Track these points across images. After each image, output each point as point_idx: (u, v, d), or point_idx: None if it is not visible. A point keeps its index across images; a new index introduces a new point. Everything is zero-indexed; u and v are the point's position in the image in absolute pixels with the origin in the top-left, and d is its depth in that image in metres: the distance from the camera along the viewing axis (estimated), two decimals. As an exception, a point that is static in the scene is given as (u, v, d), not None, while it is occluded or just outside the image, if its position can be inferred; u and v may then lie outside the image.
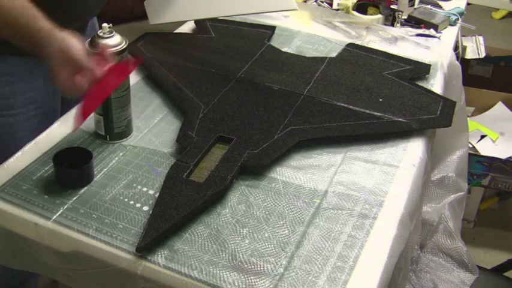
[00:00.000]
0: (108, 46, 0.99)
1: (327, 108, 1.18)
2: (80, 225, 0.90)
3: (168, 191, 0.93)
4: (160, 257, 0.85)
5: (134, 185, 0.98)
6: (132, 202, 0.94)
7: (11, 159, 1.02)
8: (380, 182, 1.02)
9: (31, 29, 0.94)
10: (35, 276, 1.40)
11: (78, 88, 0.93)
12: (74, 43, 0.93)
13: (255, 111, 1.16)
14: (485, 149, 2.02)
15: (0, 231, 0.94)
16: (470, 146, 2.00)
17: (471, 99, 2.03)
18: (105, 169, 1.01)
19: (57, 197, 0.94)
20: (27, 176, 0.98)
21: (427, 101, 1.23)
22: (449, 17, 1.66)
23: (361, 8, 1.68)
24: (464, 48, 1.99)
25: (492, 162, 1.94)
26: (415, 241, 1.17)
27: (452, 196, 1.52)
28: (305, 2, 1.75)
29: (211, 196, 0.93)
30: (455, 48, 1.61)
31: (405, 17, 1.64)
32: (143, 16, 1.41)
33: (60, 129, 1.09)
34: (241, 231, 0.90)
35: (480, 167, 1.96)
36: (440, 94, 1.30)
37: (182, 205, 0.90)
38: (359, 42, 1.48)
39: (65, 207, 0.93)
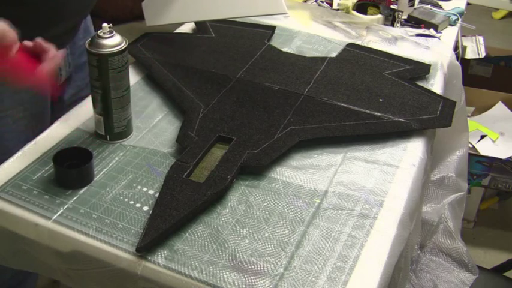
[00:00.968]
0: (108, 46, 0.99)
1: (327, 108, 1.18)
2: (80, 225, 0.90)
3: (168, 191, 0.93)
4: (160, 257, 0.85)
5: (134, 185, 0.98)
6: (132, 202, 0.94)
7: (11, 159, 1.02)
8: (380, 182, 1.02)
9: None
10: (34, 276, 1.40)
11: None
12: None
13: (255, 111, 1.16)
14: (485, 149, 2.02)
15: (0, 231, 0.94)
16: (470, 146, 2.00)
17: (471, 99, 2.04)
18: (105, 169, 1.01)
19: (57, 197, 0.94)
20: (27, 176, 0.98)
21: (427, 101, 1.23)
22: (449, 17, 1.66)
23: (361, 8, 1.68)
24: (464, 48, 2.00)
25: (492, 162, 1.95)
26: (415, 241, 1.17)
27: (452, 196, 1.52)
28: (305, 2, 1.75)
29: (211, 196, 0.93)
30: (455, 48, 1.61)
31: (405, 17, 1.64)
32: (143, 16, 1.41)
33: (60, 129, 1.09)
34: (241, 231, 0.90)
35: (480, 167, 1.96)
36: (440, 94, 1.30)
37: (182, 205, 0.90)
38: (359, 42, 1.48)
39: (65, 207, 0.93)
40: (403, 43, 1.51)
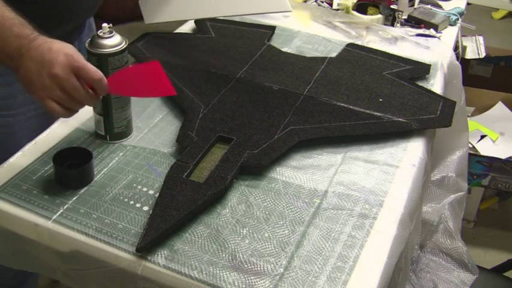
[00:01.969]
0: (108, 46, 0.98)
1: (327, 108, 1.18)
2: (80, 225, 0.90)
3: (168, 191, 0.93)
4: (160, 257, 0.85)
5: (134, 185, 0.98)
6: (132, 202, 0.94)
7: (11, 159, 1.02)
8: (380, 182, 1.02)
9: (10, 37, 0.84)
10: (35, 276, 1.41)
11: (74, 90, 0.85)
12: (70, 49, 0.86)
13: (255, 111, 1.16)
14: (485, 149, 2.02)
15: (0, 231, 0.94)
16: (470, 146, 2.00)
17: (471, 99, 2.03)
18: (105, 169, 1.01)
19: (57, 197, 0.94)
20: (27, 176, 0.98)
21: (427, 101, 1.23)
22: (449, 17, 1.66)
23: (361, 8, 1.68)
24: (464, 48, 2.00)
25: (492, 162, 1.95)
26: (415, 241, 1.17)
27: (452, 196, 1.52)
28: (305, 2, 1.75)
29: (211, 196, 0.93)
30: (455, 48, 1.61)
31: (405, 17, 1.64)
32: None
33: (60, 129, 1.09)
34: (241, 231, 0.90)
35: (480, 167, 1.96)
36: (440, 94, 1.30)
37: (182, 205, 0.90)
38: (359, 42, 1.48)
39: (65, 207, 0.93)
40: (403, 43, 1.51)
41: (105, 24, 0.99)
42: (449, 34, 1.62)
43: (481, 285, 1.48)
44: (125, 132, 1.08)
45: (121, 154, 1.05)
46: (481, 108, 2.25)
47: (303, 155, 1.08)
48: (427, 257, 1.51)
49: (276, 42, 1.47)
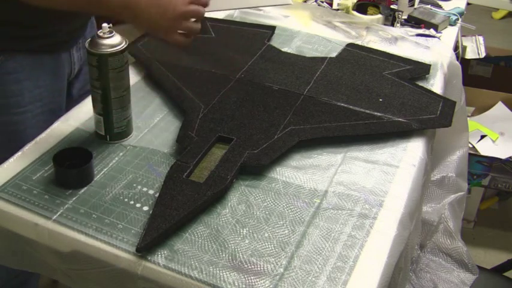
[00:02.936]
0: (108, 46, 0.99)
1: (327, 108, 1.18)
2: (80, 225, 0.90)
3: (168, 191, 0.93)
4: (160, 257, 0.85)
5: (134, 185, 0.98)
6: (132, 202, 0.94)
7: (11, 159, 1.02)
8: (380, 182, 1.02)
9: None
10: (36, 276, 1.41)
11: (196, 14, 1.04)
12: None
13: (255, 111, 1.16)
14: (485, 149, 2.02)
15: (0, 231, 0.94)
16: (470, 146, 2.00)
17: (471, 99, 2.03)
18: (105, 169, 1.01)
19: (57, 197, 0.94)
20: (27, 176, 0.98)
21: (427, 101, 1.23)
22: (449, 17, 1.66)
23: (361, 8, 1.68)
24: (464, 48, 1.99)
25: (492, 162, 1.95)
26: (415, 241, 1.17)
27: (452, 196, 1.52)
28: (305, 2, 1.75)
29: (211, 196, 0.93)
30: (455, 48, 1.61)
31: (405, 17, 1.64)
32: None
33: (60, 129, 1.09)
34: (241, 231, 0.90)
35: (480, 167, 1.96)
36: (440, 94, 1.30)
37: (182, 205, 0.90)
38: (359, 42, 1.48)
39: (65, 207, 0.93)
40: (403, 43, 1.51)
41: (105, 24, 0.99)
42: (449, 34, 1.62)
43: (481, 285, 1.48)
44: (125, 132, 1.08)
45: (121, 154, 1.05)
46: (481, 108, 2.25)
47: (303, 155, 1.08)
48: (427, 257, 1.51)
49: (276, 42, 1.47)
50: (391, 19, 1.62)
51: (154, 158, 1.04)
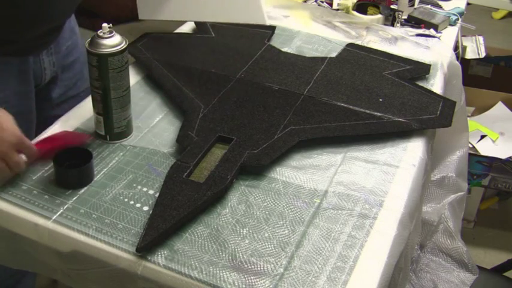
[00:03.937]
0: (108, 46, 0.99)
1: (327, 108, 1.18)
2: (80, 225, 0.90)
3: (168, 191, 0.93)
4: (160, 257, 0.85)
5: (134, 185, 0.98)
6: (132, 202, 0.94)
7: (11, 159, 1.02)
8: (380, 182, 1.02)
9: None
10: (31, 276, 1.40)
11: (15, 165, 0.93)
12: (7, 123, 0.93)
13: (255, 111, 1.16)
14: (485, 149, 2.02)
15: (0, 231, 0.94)
16: (470, 146, 2.00)
17: (471, 99, 2.03)
18: (105, 169, 1.01)
19: (57, 197, 0.94)
20: (27, 176, 0.98)
21: (427, 101, 1.23)
22: (449, 17, 1.66)
23: (361, 8, 1.68)
24: (464, 48, 2.00)
25: (492, 162, 1.95)
26: (415, 241, 1.17)
27: (452, 196, 1.52)
28: (305, 2, 1.75)
29: (211, 196, 0.93)
30: (455, 48, 1.61)
31: (405, 17, 1.64)
32: (143, 16, 1.42)
33: (60, 129, 1.09)
34: (241, 231, 0.90)
35: (480, 167, 1.96)
36: (440, 94, 1.30)
37: (182, 205, 0.90)
38: (359, 42, 1.48)
39: (65, 207, 0.93)
40: (403, 43, 1.51)
41: (105, 24, 0.99)
42: (449, 34, 1.62)
43: (481, 285, 1.48)
44: (125, 132, 1.08)
45: (121, 154, 1.05)
46: (481, 108, 2.25)
47: (303, 155, 1.08)
48: (427, 257, 1.51)
49: (276, 42, 1.47)
50: (391, 19, 1.62)
51: (154, 158, 1.04)
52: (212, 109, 1.15)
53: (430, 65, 1.39)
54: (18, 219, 0.92)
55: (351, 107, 1.19)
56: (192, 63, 1.31)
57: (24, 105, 1.20)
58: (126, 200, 0.95)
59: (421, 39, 1.54)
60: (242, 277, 0.83)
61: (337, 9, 1.69)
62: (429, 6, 1.71)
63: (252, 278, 0.83)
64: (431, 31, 1.59)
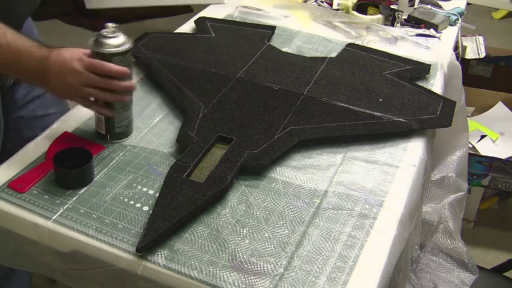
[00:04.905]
0: (112, 46, 0.98)
1: (327, 108, 1.18)
2: (80, 225, 0.90)
3: (168, 191, 0.93)
4: (160, 257, 0.85)
5: (134, 185, 0.98)
6: (132, 202, 0.94)
7: (11, 159, 1.02)
8: (380, 182, 1.02)
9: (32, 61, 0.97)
10: (22, 273, 1.39)
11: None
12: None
13: (255, 111, 1.16)
14: (485, 149, 2.02)
15: (0, 231, 0.94)
16: (470, 146, 2.00)
17: (471, 99, 2.03)
18: (105, 169, 1.01)
19: (57, 197, 0.94)
20: (27, 176, 0.98)
21: (427, 101, 1.23)
22: (449, 17, 1.66)
23: (361, 8, 1.68)
24: (464, 48, 1.99)
25: (492, 162, 1.95)
26: (415, 241, 1.17)
27: (452, 196, 1.52)
28: (305, 2, 1.75)
29: (211, 196, 0.93)
30: (455, 48, 1.61)
31: (405, 17, 1.64)
32: (143, 16, 1.41)
33: (61, 129, 1.09)
34: (241, 231, 0.90)
35: (480, 167, 1.96)
36: (440, 94, 1.30)
37: (182, 205, 0.90)
38: (359, 42, 1.48)
39: (65, 207, 0.93)
40: (403, 43, 1.51)
41: (109, 24, 0.99)
42: (449, 34, 1.62)
43: (481, 285, 1.48)
44: (126, 132, 1.08)
45: (121, 154, 1.05)
46: (481, 108, 2.25)
47: (303, 155, 1.08)
48: (427, 257, 1.51)
49: (276, 42, 1.47)
50: (391, 19, 1.62)
51: (154, 158, 1.04)
52: (212, 109, 1.15)
53: (430, 65, 1.39)
54: (18, 219, 0.92)
55: (351, 107, 1.19)
56: (192, 63, 1.31)
57: None
58: (126, 200, 0.95)
59: (421, 39, 1.54)
60: (242, 277, 0.83)
61: (337, 9, 1.69)
62: (429, 6, 1.71)
63: (252, 278, 0.83)
64: (431, 31, 1.59)
